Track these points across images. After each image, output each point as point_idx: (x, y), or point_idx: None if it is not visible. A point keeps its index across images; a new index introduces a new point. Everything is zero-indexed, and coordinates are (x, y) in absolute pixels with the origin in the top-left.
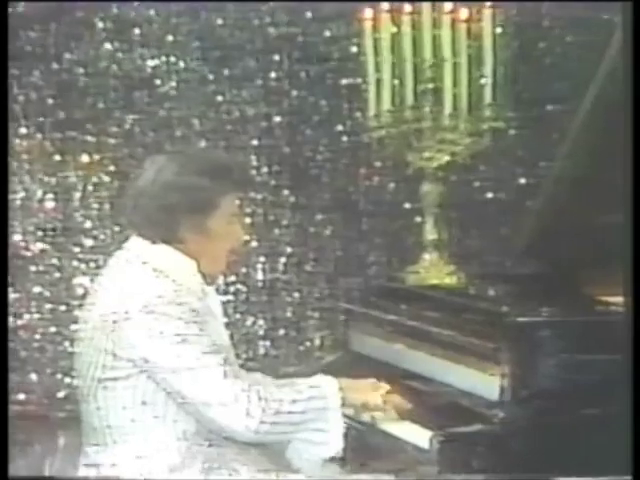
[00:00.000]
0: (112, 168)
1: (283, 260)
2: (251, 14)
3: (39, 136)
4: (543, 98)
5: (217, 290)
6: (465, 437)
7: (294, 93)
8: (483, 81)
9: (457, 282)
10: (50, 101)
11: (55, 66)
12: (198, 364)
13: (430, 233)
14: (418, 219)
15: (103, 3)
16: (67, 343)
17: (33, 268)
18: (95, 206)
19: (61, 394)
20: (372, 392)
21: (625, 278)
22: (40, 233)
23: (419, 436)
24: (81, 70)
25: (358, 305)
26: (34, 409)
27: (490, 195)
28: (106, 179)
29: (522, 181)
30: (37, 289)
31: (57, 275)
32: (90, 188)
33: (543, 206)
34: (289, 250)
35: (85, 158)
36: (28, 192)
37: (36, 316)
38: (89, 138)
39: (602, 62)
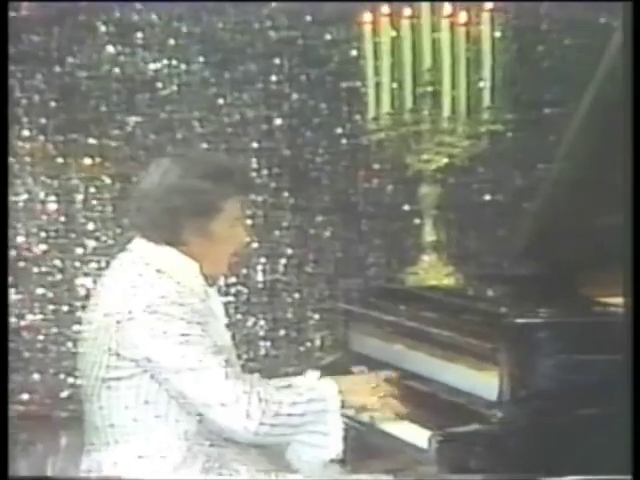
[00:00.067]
0: (114, 170)
1: (283, 261)
2: (252, 18)
3: (42, 139)
4: (541, 101)
5: (218, 291)
6: (464, 437)
7: (294, 96)
8: (481, 84)
9: (456, 283)
10: (53, 104)
11: (58, 69)
12: (200, 365)
13: (429, 235)
14: (417, 221)
15: (105, 7)
16: (70, 343)
17: (36, 269)
18: (97, 208)
19: (64, 394)
20: (371, 394)
21: (625, 278)
22: (43, 235)
23: (418, 436)
24: (83, 73)
25: (358, 306)
26: (37, 409)
27: (488, 197)
28: (108, 181)
29: (520, 183)
30: (40, 290)
31: (59, 276)
32: (92, 190)
33: (541, 208)
34: (289, 251)
35: (87, 160)
36: (31, 194)
37: (39, 317)
38: (91, 141)
39: (600, 65)
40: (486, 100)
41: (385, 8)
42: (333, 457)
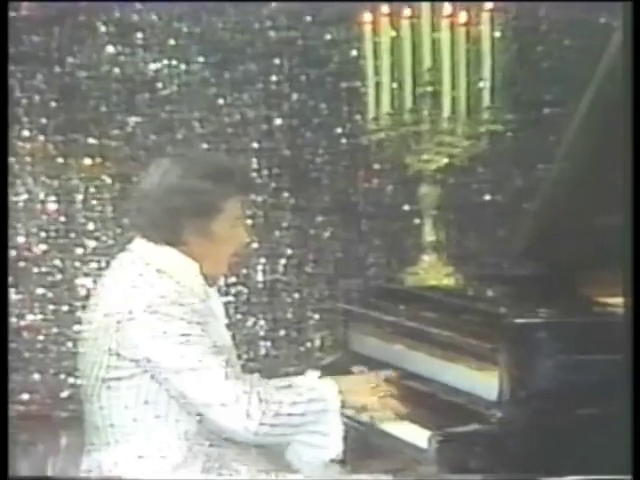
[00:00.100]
0: (114, 170)
1: (283, 261)
2: (252, 18)
3: (42, 139)
4: (541, 101)
5: (218, 291)
6: (463, 437)
7: (294, 96)
8: (481, 84)
9: (455, 283)
10: (53, 104)
11: (58, 69)
12: (200, 365)
13: (429, 235)
14: (417, 221)
15: (105, 7)
16: (70, 343)
17: (36, 269)
18: (97, 208)
19: (64, 394)
20: (371, 394)
21: (625, 278)
22: (43, 235)
23: (418, 436)
24: (84, 73)
25: (358, 306)
26: (37, 409)
27: (488, 197)
28: (108, 181)
29: (520, 183)
30: (40, 290)
31: (59, 276)
32: (92, 190)
33: (540, 208)
34: (289, 252)
35: (87, 160)
36: (31, 194)
37: (39, 317)
38: (91, 141)
39: (600, 65)
40: (486, 100)
41: (385, 8)
42: (333, 457)
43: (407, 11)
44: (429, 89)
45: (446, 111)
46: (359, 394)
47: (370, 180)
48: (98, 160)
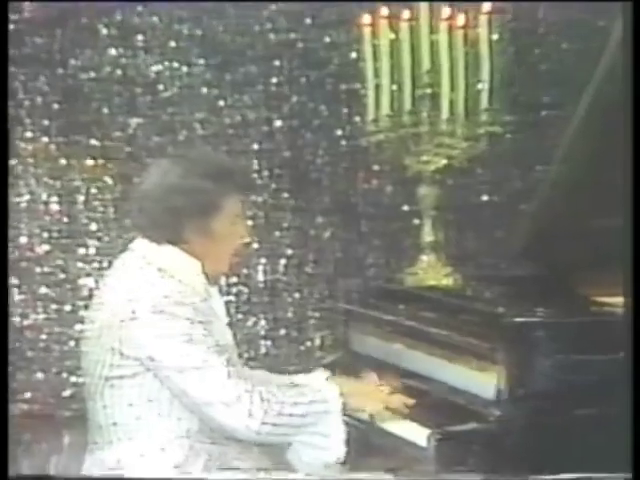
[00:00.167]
0: (116, 171)
1: (284, 262)
2: (252, 20)
3: (44, 140)
4: (539, 103)
5: (219, 291)
6: (462, 435)
7: (294, 98)
8: (480, 86)
9: (454, 283)
10: (55, 106)
11: (60, 71)
12: (203, 364)
13: (428, 235)
14: (416, 221)
15: (107, 10)
16: (72, 343)
17: (39, 269)
18: (99, 209)
19: (67, 393)
20: (373, 398)
21: (625, 279)
22: (45, 235)
23: (417, 434)
24: (86, 75)
25: (357, 306)
26: (40, 408)
27: (486, 198)
28: (110, 182)
29: (518, 184)
30: (43, 290)
31: (62, 276)
32: (94, 191)
33: (538, 209)
34: (289, 252)
35: (89, 161)
36: (34, 195)
37: (42, 316)
38: (93, 142)
39: (598, 67)
40: (484, 102)
41: (384, 11)
42: (334, 460)
43: (406, 14)
44: (428, 91)
45: (445, 113)
46: (361, 397)
47: (370, 181)
48: (100, 161)
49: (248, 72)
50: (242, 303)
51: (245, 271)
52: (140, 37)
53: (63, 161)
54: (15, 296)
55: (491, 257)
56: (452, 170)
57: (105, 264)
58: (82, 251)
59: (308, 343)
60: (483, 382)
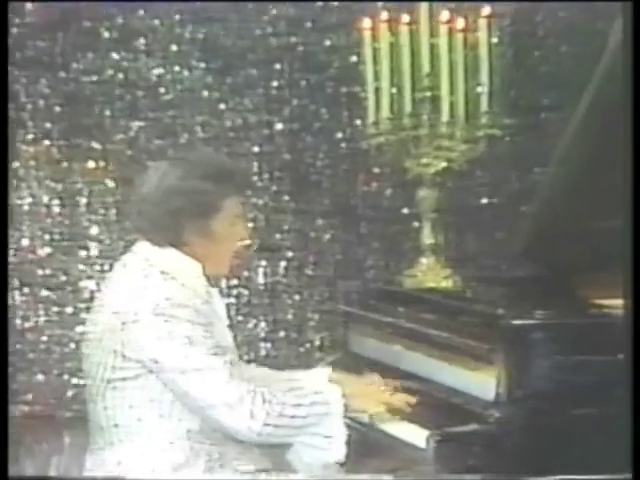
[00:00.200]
0: (117, 174)
1: (284, 264)
2: (253, 24)
3: (46, 143)
4: (538, 106)
5: (220, 293)
6: (461, 436)
7: (295, 101)
8: (479, 89)
9: (453, 285)
10: (57, 109)
11: (62, 75)
12: (205, 365)
13: (427, 237)
14: (415, 224)
15: (109, 14)
16: (73, 345)
17: (40, 271)
18: (101, 211)
19: (68, 394)
20: (375, 399)
21: (625, 280)
22: (47, 237)
23: (416, 435)
24: (87, 79)
25: (357, 307)
26: (41, 409)
27: (486, 200)
28: (111, 185)
29: (517, 186)
30: (44, 292)
31: (63, 278)
32: (96, 193)
33: (538, 211)
34: (290, 254)
35: (91, 164)
36: (35, 197)
37: (43, 318)
38: (95, 145)
39: (596, 69)
40: (484, 105)
41: (384, 14)
42: (335, 461)
43: (406, 17)
44: (428, 94)
45: (445, 116)
46: (363, 398)
47: (369, 183)
48: (101, 164)
49: (249, 75)
50: (242, 305)
51: (245, 273)
52: (141, 40)
53: (65, 164)
54: (17, 298)
55: (490, 259)
56: (452, 172)
57: (106, 267)
58: (83, 253)
59: (308, 345)
60: (482, 383)
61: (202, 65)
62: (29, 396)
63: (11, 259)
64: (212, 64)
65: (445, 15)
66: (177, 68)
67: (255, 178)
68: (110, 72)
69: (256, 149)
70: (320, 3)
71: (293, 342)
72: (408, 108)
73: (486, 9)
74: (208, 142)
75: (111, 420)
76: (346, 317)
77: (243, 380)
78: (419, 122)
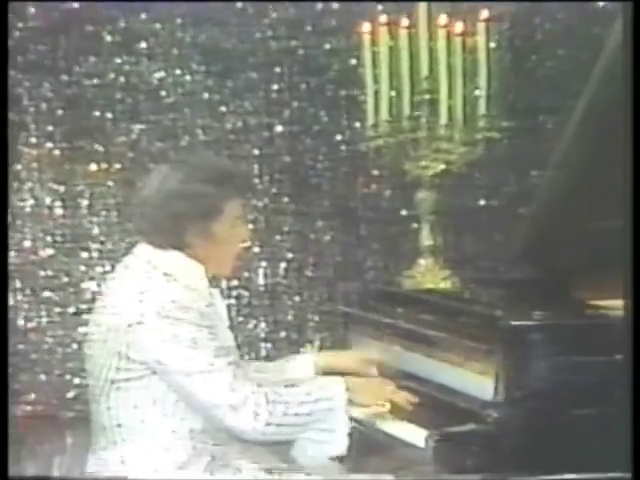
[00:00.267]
0: (119, 176)
1: (284, 265)
2: (253, 28)
3: (49, 145)
4: (536, 109)
5: (220, 294)
6: (460, 436)
7: (295, 104)
8: (477, 92)
9: (452, 286)
10: (59, 112)
11: (64, 78)
12: (209, 367)
13: (426, 239)
14: (414, 225)
15: (111, 17)
16: (75, 345)
17: (42, 273)
18: (102, 213)
19: (70, 394)
20: (378, 394)
21: (625, 280)
22: (49, 239)
23: (415, 435)
24: (89, 82)
25: (356, 308)
26: (44, 409)
27: (484, 202)
28: (113, 187)
29: (515, 189)
30: (46, 293)
31: (65, 279)
32: (97, 196)
33: (536, 213)
34: (290, 255)
35: (93, 167)
36: (38, 199)
37: (45, 319)
38: (97, 147)
39: (594, 72)
40: (482, 108)
41: (383, 18)
42: (338, 453)
43: (405, 21)
44: (426, 97)
45: (443, 118)
46: (366, 393)
47: (369, 186)
48: (103, 166)
49: (249, 78)
50: (243, 306)
51: (246, 274)
52: (143, 44)
53: (67, 166)
54: (19, 299)
55: (488, 260)
56: (450, 175)
57: (108, 268)
58: (85, 255)
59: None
60: (481, 384)
61: (203, 68)
62: (31, 396)
63: (13, 260)
64: (213, 67)
65: (444, 19)
66: (178, 71)
67: (255, 180)
68: (112, 75)
69: (256, 151)
70: (320, 6)
71: (293, 343)
72: (407, 111)
73: (484, 13)
74: (209, 145)
75: (114, 420)
76: (346, 318)
77: (246, 380)
78: (418, 125)
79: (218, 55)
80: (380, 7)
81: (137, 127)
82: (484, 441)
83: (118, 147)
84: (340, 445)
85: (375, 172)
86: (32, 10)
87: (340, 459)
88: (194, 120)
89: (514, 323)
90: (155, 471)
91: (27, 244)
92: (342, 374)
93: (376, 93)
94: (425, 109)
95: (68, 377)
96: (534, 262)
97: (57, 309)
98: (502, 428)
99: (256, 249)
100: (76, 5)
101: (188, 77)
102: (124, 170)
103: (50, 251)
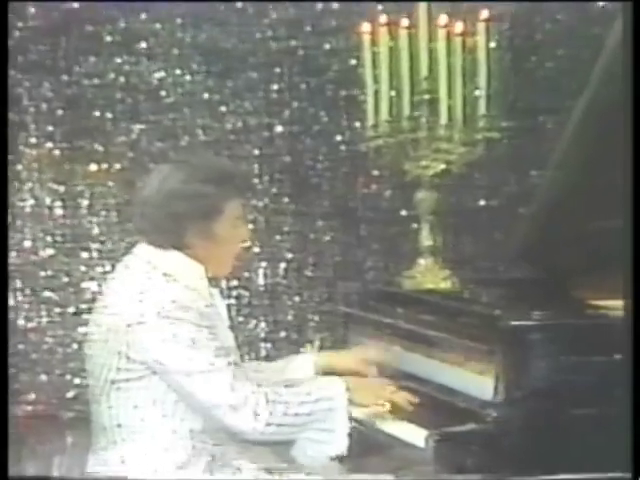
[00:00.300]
0: (119, 176)
1: (284, 265)
2: (253, 28)
3: (49, 145)
4: (535, 109)
5: (220, 294)
6: (460, 436)
7: (295, 104)
8: (477, 93)
9: (452, 286)
10: (59, 112)
11: (64, 78)
12: (210, 367)
13: (426, 239)
14: (414, 225)
15: (111, 18)
16: (76, 345)
17: (43, 273)
18: (102, 213)
19: (70, 394)
20: (378, 393)
21: (625, 280)
22: (49, 239)
23: (415, 435)
24: (89, 82)
25: (356, 308)
26: (44, 409)
27: (483, 202)
28: (113, 187)
29: (514, 189)
30: (47, 293)
31: (65, 279)
32: (97, 196)
33: (535, 213)
34: (290, 255)
35: (93, 167)
36: (38, 199)
37: (45, 319)
38: (97, 147)
39: (593, 72)
40: (482, 108)
41: (383, 18)
42: (338, 453)
43: (405, 21)
44: (426, 97)
45: (443, 119)
46: (367, 392)
47: (369, 186)
48: (103, 166)
49: (249, 78)
50: (243, 306)
51: (246, 274)
52: (143, 44)
53: (67, 166)
54: (20, 299)
55: (488, 260)
56: (450, 175)
57: (108, 268)
58: (85, 255)
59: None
60: (481, 383)
61: (203, 68)
62: (32, 396)
63: (14, 260)
64: (213, 67)
65: (444, 19)
66: (178, 71)
67: (255, 180)
68: (112, 75)
69: (256, 151)
70: (320, 7)
71: (293, 343)
72: (407, 111)
73: (484, 13)
74: (209, 145)
75: (114, 420)
76: (346, 318)
77: (247, 380)
78: (418, 125)
79: (218, 55)
80: (380, 7)
81: (137, 127)
82: (484, 441)
83: (118, 147)
84: (340, 445)
85: (375, 172)
86: (32, 10)
87: (340, 459)
88: (194, 120)
89: (514, 323)
90: (155, 471)
91: (27, 244)
92: (342, 374)
93: (376, 93)
94: (425, 109)
95: (68, 377)
96: (534, 262)
97: (57, 309)
98: (502, 428)
99: (256, 249)
100: (76, 5)
101: (188, 77)
102: (124, 170)
103: (50, 251)
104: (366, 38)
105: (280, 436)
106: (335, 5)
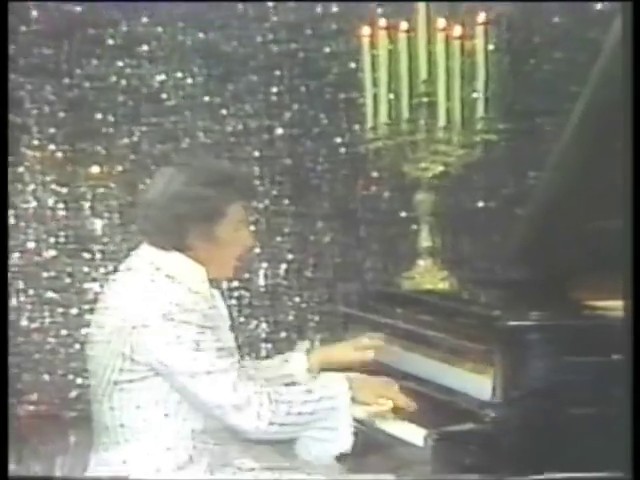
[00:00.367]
0: (120, 178)
1: (284, 266)
2: (254, 31)
3: (51, 147)
4: (533, 111)
5: (221, 295)
6: (458, 436)
7: (295, 107)
8: (475, 95)
9: (450, 287)
10: (61, 114)
11: (66, 81)
12: (213, 368)
13: (424, 240)
14: (413, 227)
15: (113, 21)
16: (78, 345)
17: (45, 274)
18: (105, 215)
19: (72, 394)
20: (381, 392)
21: (625, 280)
22: (52, 240)
23: (414, 434)
24: (91, 85)
25: (356, 309)
26: (46, 408)
27: (482, 204)
28: (115, 189)
29: (512, 190)
30: (49, 294)
31: (68, 280)
32: (100, 197)
33: (533, 214)
34: (290, 256)
35: (95, 169)
36: (40, 201)
37: (48, 320)
38: (99, 150)
39: (591, 75)
40: (480, 110)
41: (382, 22)
42: (342, 451)
43: (404, 25)
44: (425, 100)
45: (441, 121)
46: (370, 391)
47: (368, 187)
48: (105, 168)
49: (250, 81)
50: (244, 306)
51: (247, 275)
52: (144, 47)
53: (69, 168)
54: (22, 299)
55: (486, 261)
56: (448, 176)
57: (110, 268)
58: (88, 256)
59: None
60: (479, 383)
61: (204, 71)
62: (34, 396)
63: (17, 262)
64: (213, 70)
65: (442, 22)
66: (179, 74)
67: (256, 182)
68: (113, 78)
69: (257, 154)
70: (320, 10)
71: (293, 343)
72: (406, 113)
73: (482, 16)
74: (210, 147)
75: (117, 420)
76: (345, 318)
77: (249, 380)
78: (416, 127)
79: (219, 58)
80: (379, 11)
81: (138, 129)
82: (482, 441)
83: (120, 149)
84: (344, 443)
85: (374, 174)
86: (35, 13)
87: (340, 458)
88: (195, 123)
89: (512, 323)
90: (157, 471)
91: (30, 245)
92: (341, 366)
93: (375, 96)
94: (424, 112)
95: (71, 377)
96: (532, 263)
97: (60, 310)
98: (500, 428)
99: (257, 250)
100: (78, 9)
101: (189, 80)
102: (126, 172)
103: (53, 252)
104: (365, 41)
105: (283, 435)
106: (335, 9)
